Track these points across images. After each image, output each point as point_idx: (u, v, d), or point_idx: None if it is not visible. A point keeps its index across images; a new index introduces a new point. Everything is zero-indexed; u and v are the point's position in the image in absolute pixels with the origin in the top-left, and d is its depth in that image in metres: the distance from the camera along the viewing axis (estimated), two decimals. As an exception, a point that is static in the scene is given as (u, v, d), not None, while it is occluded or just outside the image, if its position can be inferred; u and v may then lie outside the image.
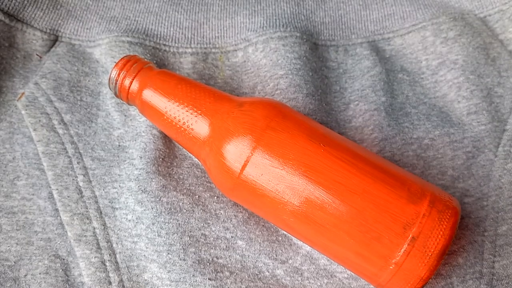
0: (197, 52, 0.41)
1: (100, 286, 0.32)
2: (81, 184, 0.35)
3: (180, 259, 0.32)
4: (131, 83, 0.34)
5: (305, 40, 0.40)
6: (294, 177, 0.29)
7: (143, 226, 0.33)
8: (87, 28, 0.41)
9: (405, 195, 0.28)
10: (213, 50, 0.41)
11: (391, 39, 0.42)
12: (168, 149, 0.36)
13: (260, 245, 0.33)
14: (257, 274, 0.33)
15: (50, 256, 0.33)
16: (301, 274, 0.33)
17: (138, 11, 0.42)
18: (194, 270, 0.32)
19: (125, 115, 0.38)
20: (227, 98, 0.32)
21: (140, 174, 0.34)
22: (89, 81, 0.39)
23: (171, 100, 0.33)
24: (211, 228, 0.34)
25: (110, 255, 0.33)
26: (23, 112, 0.37)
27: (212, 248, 0.33)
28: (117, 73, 0.34)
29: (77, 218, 0.34)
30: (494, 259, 0.33)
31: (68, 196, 0.34)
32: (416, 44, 0.41)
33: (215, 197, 0.35)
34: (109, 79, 0.34)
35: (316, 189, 0.28)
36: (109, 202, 0.34)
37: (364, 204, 0.28)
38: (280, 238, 0.34)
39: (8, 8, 0.39)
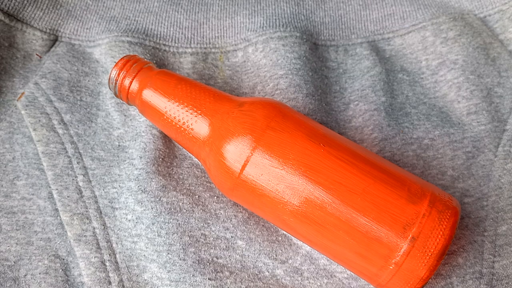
0: (197, 52, 0.41)
1: (100, 286, 0.32)
2: (81, 184, 0.35)
3: (180, 259, 0.32)
4: (131, 83, 0.34)
5: (305, 40, 0.40)
6: (294, 177, 0.29)
7: (143, 226, 0.33)
8: (87, 28, 0.41)
9: (405, 195, 0.28)
10: (213, 50, 0.41)
11: (391, 39, 0.42)
12: (168, 149, 0.36)
13: (260, 245, 0.33)
14: (257, 274, 0.33)
15: (50, 256, 0.33)
16: (301, 274, 0.33)
17: (138, 11, 0.42)
18: (194, 270, 0.32)
19: (125, 115, 0.37)
20: (227, 98, 0.32)
21: (140, 174, 0.34)
22: (89, 81, 0.39)
23: (171, 100, 0.33)
24: (211, 228, 0.34)
25: (110, 255, 0.33)
26: (23, 112, 0.37)
27: (212, 248, 0.33)
28: (117, 73, 0.34)
29: (77, 218, 0.34)
30: (494, 259, 0.33)
31: (68, 196, 0.34)
32: (416, 44, 0.41)
33: (215, 197, 0.35)
34: (109, 79, 0.34)
35: (316, 189, 0.28)
36: (109, 202, 0.34)
37: (364, 204, 0.28)
38: (280, 238, 0.34)
39: (8, 8, 0.39)
